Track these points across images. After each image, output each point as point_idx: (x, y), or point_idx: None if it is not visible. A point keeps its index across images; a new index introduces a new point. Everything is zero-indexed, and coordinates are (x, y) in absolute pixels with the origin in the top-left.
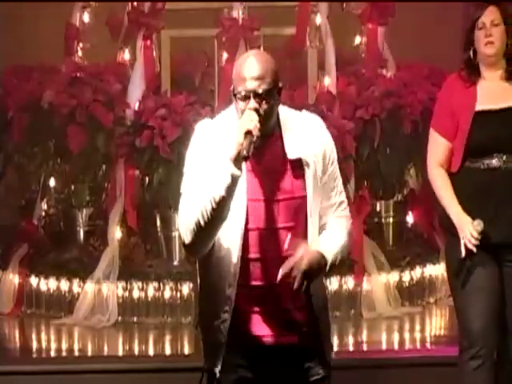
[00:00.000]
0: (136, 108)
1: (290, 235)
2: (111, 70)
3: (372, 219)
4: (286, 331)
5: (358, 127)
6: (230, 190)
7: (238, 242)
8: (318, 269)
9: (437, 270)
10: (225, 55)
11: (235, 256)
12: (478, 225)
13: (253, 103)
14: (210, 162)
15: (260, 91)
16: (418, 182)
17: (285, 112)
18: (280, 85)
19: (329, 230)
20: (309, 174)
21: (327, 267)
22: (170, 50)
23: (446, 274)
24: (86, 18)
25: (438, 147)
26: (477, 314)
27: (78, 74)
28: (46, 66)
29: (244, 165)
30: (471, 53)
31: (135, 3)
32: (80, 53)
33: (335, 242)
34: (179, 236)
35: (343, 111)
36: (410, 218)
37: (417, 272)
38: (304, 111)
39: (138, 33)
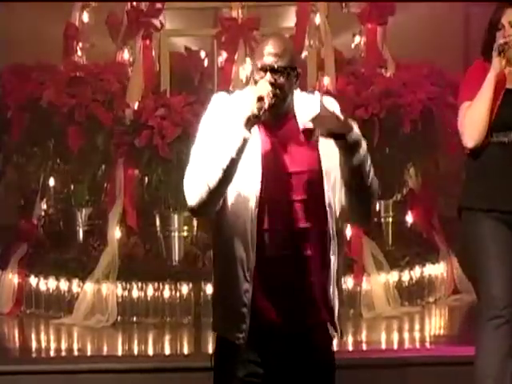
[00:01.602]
0: (135, 108)
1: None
2: (111, 70)
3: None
4: (302, 309)
5: (358, 127)
6: (240, 151)
7: (253, 211)
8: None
9: (436, 270)
10: (224, 55)
11: (252, 226)
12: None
13: (268, 76)
14: (222, 132)
15: (276, 66)
16: (417, 181)
17: (300, 95)
18: (298, 69)
19: None
20: (322, 142)
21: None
22: (169, 49)
23: (445, 275)
24: (86, 17)
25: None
26: (496, 278)
27: (78, 74)
28: (46, 65)
29: (259, 136)
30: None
31: (134, 3)
32: (79, 52)
33: None
34: (179, 236)
35: (342, 111)
36: (409, 218)
37: (416, 272)
38: (316, 93)
39: (137, 32)
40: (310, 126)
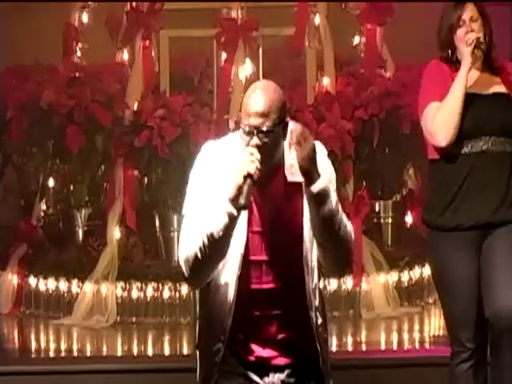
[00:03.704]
0: (135, 108)
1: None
2: (110, 71)
3: (371, 219)
4: (282, 352)
5: (357, 127)
6: (228, 228)
7: (235, 273)
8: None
9: None
10: (223, 55)
11: (232, 288)
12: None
13: (255, 140)
14: (214, 186)
15: (264, 129)
16: (416, 182)
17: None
18: (287, 119)
19: None
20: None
21: (319, 187)
22: (168, 50)
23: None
24: (85, 18)
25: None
26: (466, 320)
27: (77, 75)
28: (45, 66)
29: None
30: (450, 51)
31: (134, 3)
32: (79, 53)
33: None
34: (178, 236)
35: (342, 111)
36: (408, 219)
37: (416, 272)
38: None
39: (136, 33)
40: (298, 179)
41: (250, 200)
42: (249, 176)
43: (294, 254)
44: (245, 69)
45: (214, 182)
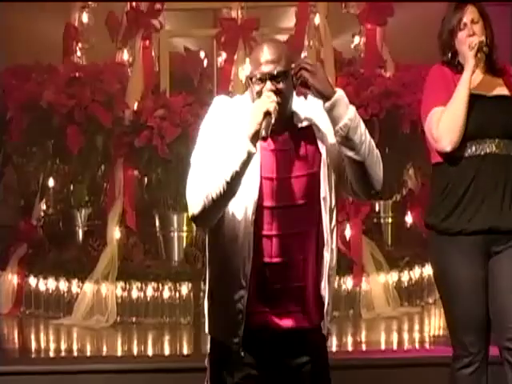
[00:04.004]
0: (135, 108)
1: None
2: (110, 70)
3: (371, 219)
4: (296, 312)
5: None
6: (245, 166)
7: (251, 218)
8: (326, 84)
9: None
10: (223, 55)
11: (249, 232)
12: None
13: (269, 85)
14: (224, 137)
15: (275, 73)
16: (416, 182)
17: (297, 100)
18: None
19: None
20: (320, 138)
21: (333, 98)
22: (168, 50)
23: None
24: (85, 18)
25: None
26: (469, 325)
27: (77, 74)
28: (45, 66)
29: (258, 144)
30: (450, 55)
31: (134, 3)
32: (79, 53)
33: None
34: (178, 236)
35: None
36: (408, 219)
37: (416, 272)
38: (309, 97)
39: (136, 33)
40: (305, 124)
41: (268, 134)
42: (268, 113)
43: (310, 199)
44: (245, 69)
45: (224, 134)
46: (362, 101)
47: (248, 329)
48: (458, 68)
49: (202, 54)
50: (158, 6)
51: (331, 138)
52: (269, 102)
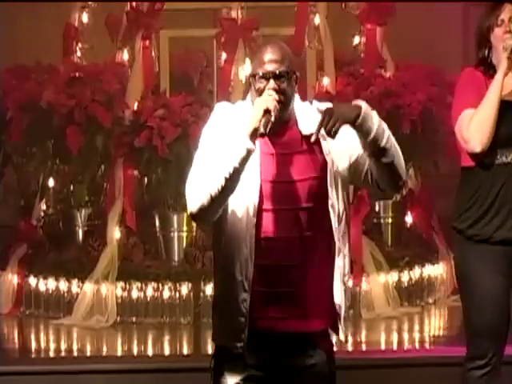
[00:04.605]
0: (135, 108)
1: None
2: (110, 70)
3: (371, 219)
4: (299, 316)
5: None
6: (243, 163)
7: (252, 220)
8: (349, 109)
9: (436, 271)
10: (223, 55)
11: (250, 235)
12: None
13: (273, 83)
14: (226, 142)
15: (278, 72)
16: (416, 182)
17: (299, 104)
18: (297, 73)
19: None
20: (325, 146)
21: (361, 115)
22: (168, 50)
23: (445, 275)
24: (85, 18)
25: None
26: (485, 331)
27: (77, 74)
28: (45, 66)
29: (258, 146)
30: (486, 51)
31: (134, 3)
32: (79, 53)
33: None
34: (178, 236)
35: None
36: (408, 219)
37: (416, 272)
38: (314, 101)
39: (136, 33)
40: (311, 132)
41: (268, 131)
42: (267, 111)
43: (314, 203)
44: (245, 69)
45: (226, 139)
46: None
47: (252, 332)
48: (490, 72)
49: (202, 54)
50: (158, 5)
51: (339, 148)
52: (270, 99)
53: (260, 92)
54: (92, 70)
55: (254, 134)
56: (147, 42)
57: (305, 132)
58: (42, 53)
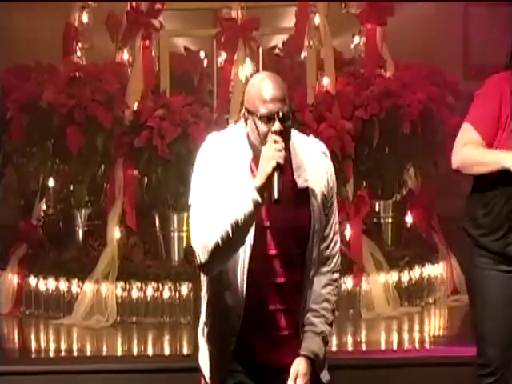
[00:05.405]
0: (135, 108)
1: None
2: (110, 70)
3: (371, 219)
4: (287, 353)
5: (357, 127)
6: (252, 216)
7: (246, 265)
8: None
9: (436, 270)
10: (223, 55)
11: (244, 280)
12: None
13: (278, 125)
14: (220, 176)
15: (282, 113)
16: (416, 182)
17: (293, 135)
18: (293, 108)
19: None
20: (314, 203)
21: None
22: (168, 49)
23: (445, 275)
24: (85, 18)
25: (470, 137)
26: (494, 336)
27: (77, 74)
28: (45, 66)
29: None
30: None
31: (134, 3)
32: (79, 53)
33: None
34: (178, 236)
35: (342, 111)
36: (408, 218)
37: (416, 272)
38: (311, 136)
39: (136, 33)
40: (306, 185)
41: (280, 195)
42: (278, 166)
43: (299, 251)
44: (245, 69)
45: (220, 172)
46: (362, 101)
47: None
48: None
49: (202, 54)
50: (158, 5)
51: (322, 206)
52: (278, 155)
53: (264, 135)
54: (92, 70)
55: (263, 189)
56: (147, 42)
57: (300, 185)
58: (42, 53)
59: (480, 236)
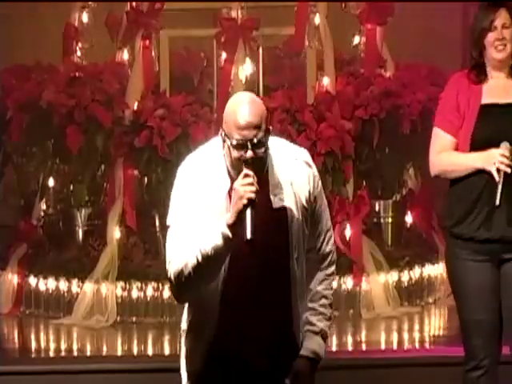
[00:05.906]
0: (135, 108)
1: None
2: (110, 70)
3: (371, 219)
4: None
5: (357, 127)
6: (222, 250)
7: (219, 288)
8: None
9: (436, 270)
10: (224, 55)
11: (217, 300)
12: (506, 148)
13: (250, 153)
14: (198, 199)
15: (256, 141)
16: (416, 182)
17: (272, 147)
18: (269, 127)
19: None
20: (293, 220)
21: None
22: (168, 49)
23: (445, 275)
24: (85, 18)
25: (442, 143)
26: (477, 327)
27: (77, 74)
28: (45, 66)
29: (227, 202)
30: (479, 53)
31: (134, 3)
32: (79, 53)
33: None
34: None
35: (342, 111)
36: (408, 218)
37: (416, 272)
38: (293, 146)
39: (136, 33)
40: (281, 204)
41: (253, 235)
42: (249, 202)
43: (279, 270)
44: (245, 69)
45: (198, 194)
46: (362, 101)
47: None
48: (482, 77)
49: (202, 54)
50: (157, 5)
51: (304, 222)
52: (248, 186)
53: (236, 161)
54: (92, 69)
55: (234, 226)
56: (147, 42)
57: (275, 205)
58: (42, 53)
59: (453, 226)
